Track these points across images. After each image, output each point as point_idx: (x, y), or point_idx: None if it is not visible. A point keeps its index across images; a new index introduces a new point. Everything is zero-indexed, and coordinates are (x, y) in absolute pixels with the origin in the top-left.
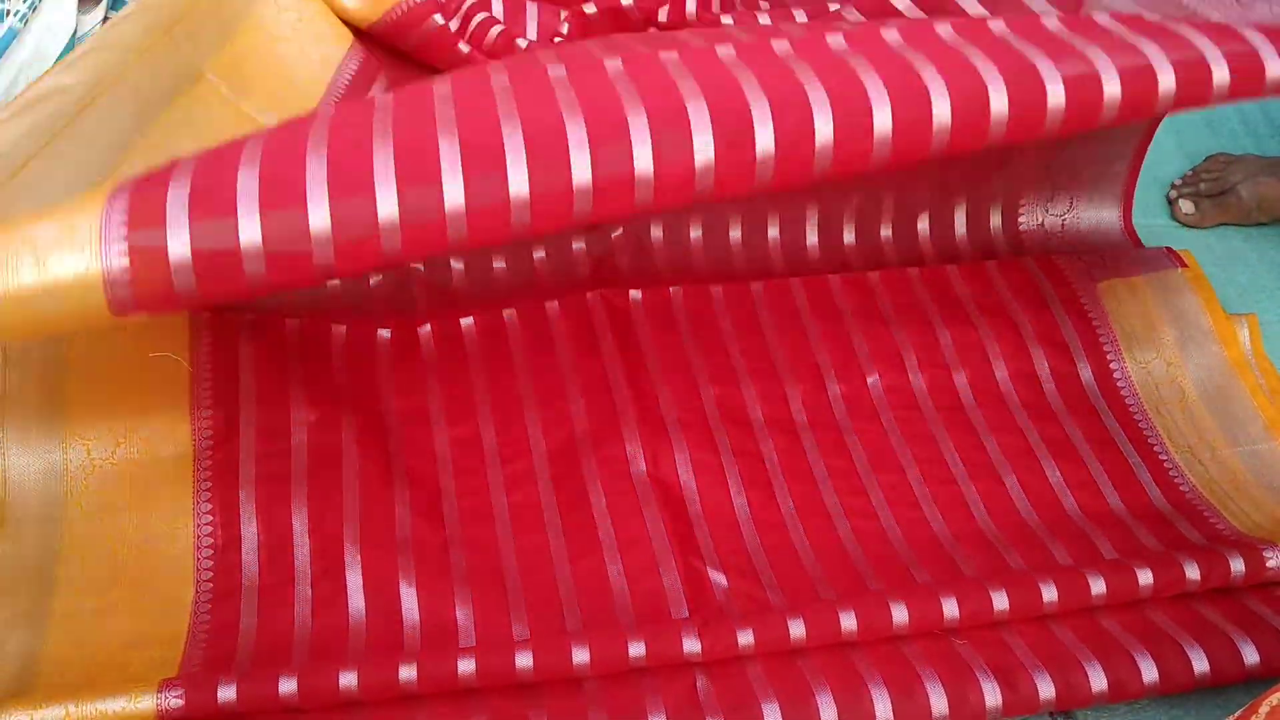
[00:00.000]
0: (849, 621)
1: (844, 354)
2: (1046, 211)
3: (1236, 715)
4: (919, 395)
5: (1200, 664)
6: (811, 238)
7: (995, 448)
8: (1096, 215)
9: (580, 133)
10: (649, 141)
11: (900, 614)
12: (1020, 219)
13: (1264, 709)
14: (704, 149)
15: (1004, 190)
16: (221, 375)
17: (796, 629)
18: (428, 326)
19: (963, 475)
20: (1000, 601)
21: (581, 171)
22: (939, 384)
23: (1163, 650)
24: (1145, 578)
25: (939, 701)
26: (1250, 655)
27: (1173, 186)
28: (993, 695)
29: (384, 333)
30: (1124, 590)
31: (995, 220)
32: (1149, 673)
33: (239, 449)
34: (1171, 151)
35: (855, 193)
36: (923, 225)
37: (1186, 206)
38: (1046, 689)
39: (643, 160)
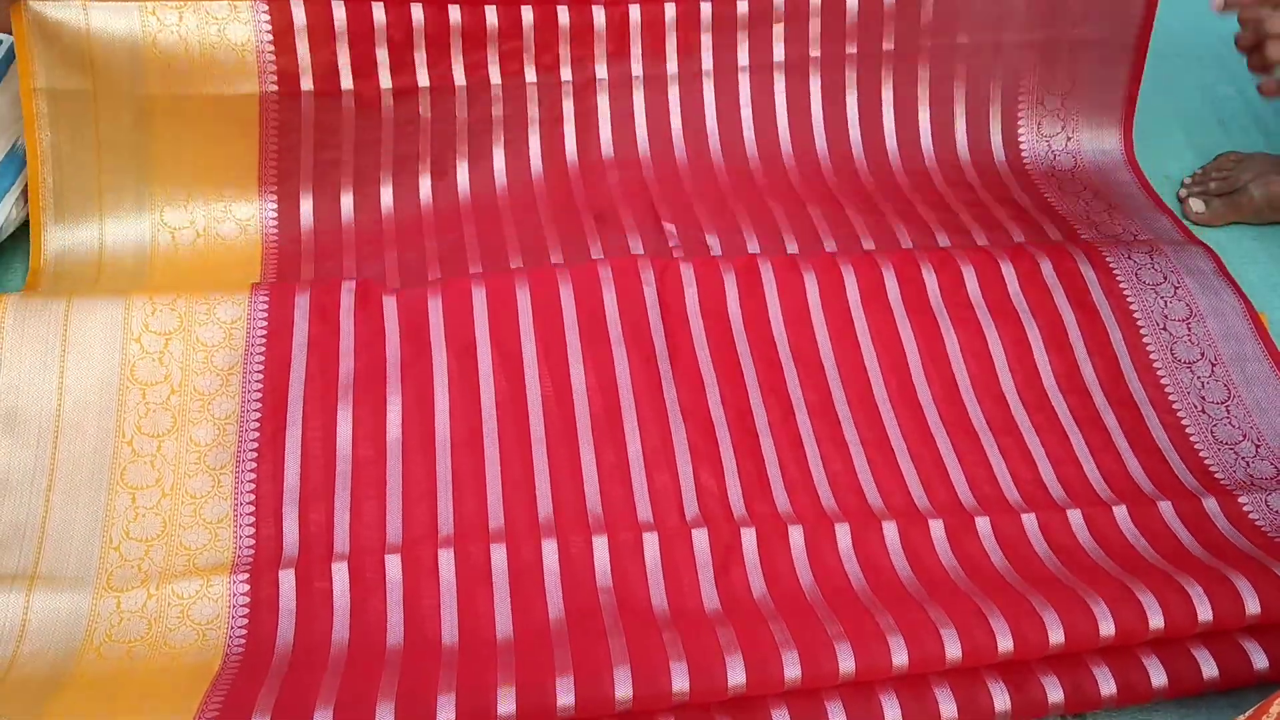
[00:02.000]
0: (847, 664)
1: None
2: (1046, 135)
3: (1247, 715)
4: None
5: (1209, 668)
6: (821, 144)
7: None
8: (1097, 144)
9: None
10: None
11: (900, 657)
12: (1021, 144)
13: (1275, 708)
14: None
15: (1002, 100)
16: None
17: (792, 670)
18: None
19: (1000, 466)
20: (1005, 644)
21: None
22: (988, 391)
23: (1172, 655)
24: (1156, 620)
25: (948, 705)
26: (1260, 660)
27: (1183, 185)
28: (1001, 699)
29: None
30: (1134, 629)
31: (996, 140)
32: (1158, 676)
33: None
34: (1182, 148)
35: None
36: (926, 143)
37: (1197, 205)
38: (1055, 692)
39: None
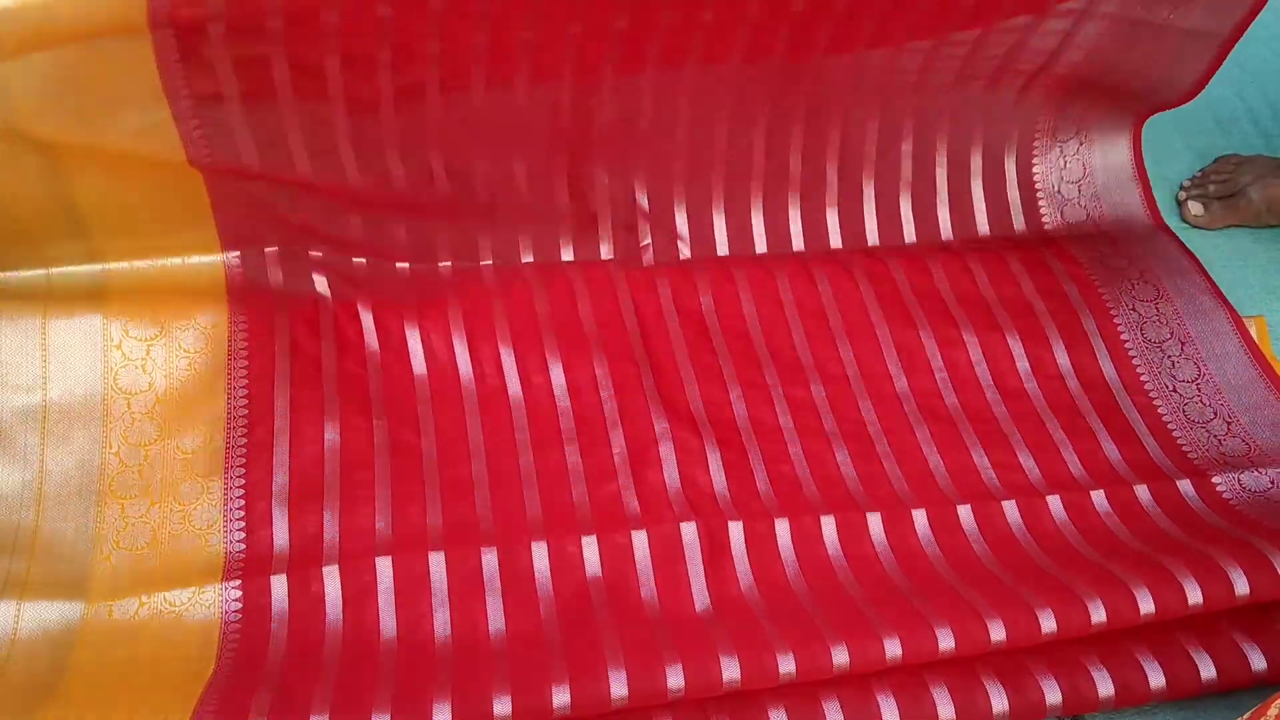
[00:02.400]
0: (841, 657)
1: (871, 352)
2: (1060, 154)
3: (1245, 717)
4: (943, 388)
5: (1207, 670)
6: (831, 170)
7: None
8: (1106, 159)
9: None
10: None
11: (894, 648)
12: (1034, 167)
13: (1274, 710)
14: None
15: (1018, 127)
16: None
17: (786, 665)
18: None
19: (985, 466)
20: (997, 632)
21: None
22: (963, 380)
23: (1170, 656)
24: (1146, 605)
25: (946, 708)
26: (1258, 661)
27: (1182, 188)
28: (999, 700)
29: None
30: (1127, 616)
31: (1010, 167)
32: (1156, 678)
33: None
34: (1180, 151)
35: (876, 117)
36: (940, 170)
37: (1195, 208)
38: (1053, 694)
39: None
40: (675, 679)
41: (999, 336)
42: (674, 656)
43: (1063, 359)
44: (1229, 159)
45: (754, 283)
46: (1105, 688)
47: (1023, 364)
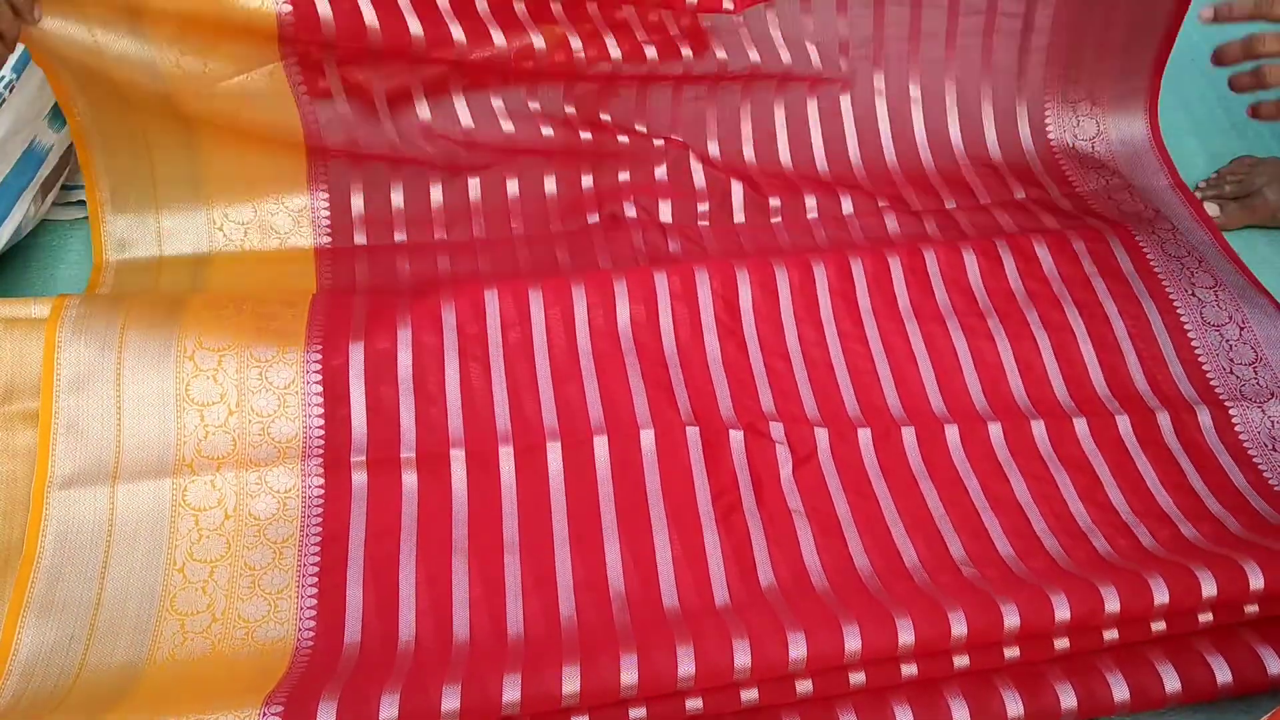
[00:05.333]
0: (854, 643)
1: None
2: (1075, 125)
3: None
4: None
5: (1223, 674)
6: (852, 141)
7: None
8: (1123, 130)
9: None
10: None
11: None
12: (1048, 131)
13: None
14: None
15: (1028, 94)
16: None
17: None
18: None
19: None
20: (1011, 618)
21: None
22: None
23: (1185, 660)
24: (1161, 595)
25: (960, 712)
26: (1274, 665)
27: (1197, 188)
28: (1014, 705)
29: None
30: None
31: (1024, 129)
32: (1171, 682)
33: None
34: (1195, 152)
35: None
36: (954, 132)
37: (1211, 208)
38: (1068, 698)
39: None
40: (687, 668)
41: (1068, 333)
42: (687, 647)
43: (1128, 349)
44: (1244, 160)
45: (795, 281)
46: (1120, 692)
47: (1094, 368)
